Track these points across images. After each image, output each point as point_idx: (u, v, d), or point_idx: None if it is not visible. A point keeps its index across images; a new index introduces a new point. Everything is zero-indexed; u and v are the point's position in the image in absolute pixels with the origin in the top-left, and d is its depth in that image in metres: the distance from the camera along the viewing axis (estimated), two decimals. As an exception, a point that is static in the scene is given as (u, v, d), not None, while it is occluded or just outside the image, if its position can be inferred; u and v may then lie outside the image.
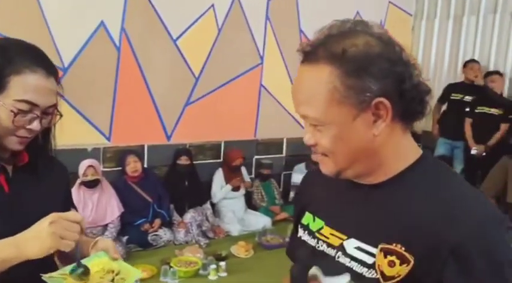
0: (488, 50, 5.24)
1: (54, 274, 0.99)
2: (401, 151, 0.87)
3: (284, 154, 5.23)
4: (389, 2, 5.68)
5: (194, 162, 4.44)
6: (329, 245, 0.92)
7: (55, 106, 1.01)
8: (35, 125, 0.98)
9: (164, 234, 3.97)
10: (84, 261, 1.02)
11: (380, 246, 0.83)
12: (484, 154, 4.71)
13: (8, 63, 0.95)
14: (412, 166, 0.87)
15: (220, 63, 4.54)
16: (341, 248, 0.89)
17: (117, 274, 1.04)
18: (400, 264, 0.81)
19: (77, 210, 1.22)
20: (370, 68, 0.79)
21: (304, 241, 0.99)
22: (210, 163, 4.67)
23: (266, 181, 4.95)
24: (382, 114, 0.81)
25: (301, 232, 1.01)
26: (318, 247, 0.94)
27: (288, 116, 5.15)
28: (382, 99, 0.80)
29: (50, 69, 0.99)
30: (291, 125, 5.20)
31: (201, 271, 3.49)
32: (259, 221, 4.53)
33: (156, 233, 3.93)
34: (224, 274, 3.52)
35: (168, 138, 4.42)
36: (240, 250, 3.93)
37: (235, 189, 4.61)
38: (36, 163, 1.08)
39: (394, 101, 0.81)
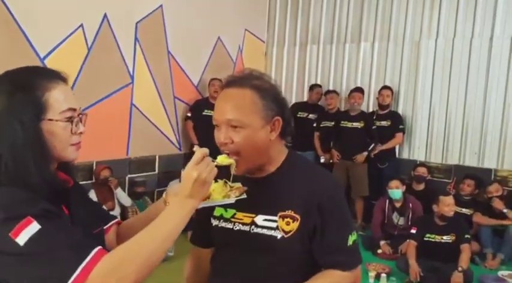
0: (327, 73, 6.22)
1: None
2: (279, 152, 1.35)
3: (157, 171, 5.36)
4: (246, 29, 6.31)
5: (66, 184, 4.28)
6: (243, 224, 1.31)
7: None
8: (81, 127, 1.09)
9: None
10: None
11: (279, 214, 1.27)
12: (330, 161, 5.56)
13: (34, 88, 1.02)
14: (286, 160, 1.35)
15: (91, 83, 4.50)
16: (253, 223, 1.30)
17: (231, 187, 1.24)
18: (293, 222, 1.26)
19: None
20: (274, 97, 1.28)
21: (221, 227, 1.35)
22: (82, 185, 4.54)
23: (140, 199, 5.00)
24: (276, 128, 1.28)
25: (216, 222, 1.37)
26: (235, 227, 1.32)
27: (160, 133, 5.33)
28: (278, 117, 1.27)
29: (62, 77, 1.09)
30: (163, 142, 5.39)
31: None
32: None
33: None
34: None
35: (36, 160, 4.19)
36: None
37: (109, 210, 4.57)
38: (77, 182, 1.19)
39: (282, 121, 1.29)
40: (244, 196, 1.21)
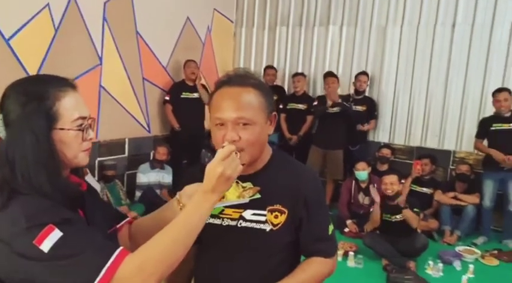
0: (296, 56, 6.28)
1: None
2: (267, 149, 1.40)
3: (127, 154, 5.31)
4: (215, 9, 6.24)
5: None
6: (232, 219, 1.36)
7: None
8: (91, 133, 1.10)
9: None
10: None
11: (267, 208, 1.34)
12: (297, 142, 5.69)
13: (45, 98, 1.02)
14: (272, 157, 1.41)
15: (58, 64, 4.36)
16: (241, 218, 1.35)
17: (243, 187, 1.26)
18: (281, 215, 1.34)
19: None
20: (269, 93, 1.34)
21: (209, 223, 1.34)
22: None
23: (111, 182, 4.96)
24: (273, 122, 1.35)
25: None
26: (224, 223, 1.36)
27: (129, 116, 5.27)
28: (275, 112, 1.36)
29: (71, 84, 1.10)
30: (132, 125, 5.33)
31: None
32: (110, 222, 4.54)
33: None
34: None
35: (3, 145, 4.06)
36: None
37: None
38: (89, 184, 1.19)
39: None
40: (258, 196, 1.23)
